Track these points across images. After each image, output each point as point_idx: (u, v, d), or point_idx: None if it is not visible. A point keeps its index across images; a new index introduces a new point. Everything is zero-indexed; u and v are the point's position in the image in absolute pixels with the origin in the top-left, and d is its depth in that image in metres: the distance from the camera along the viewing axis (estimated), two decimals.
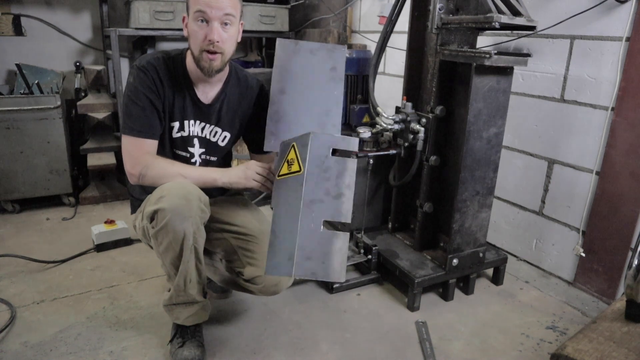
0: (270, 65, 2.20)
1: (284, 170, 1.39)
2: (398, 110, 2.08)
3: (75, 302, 1.90)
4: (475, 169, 1.86)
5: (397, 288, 2.07)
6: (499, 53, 1.65)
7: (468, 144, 1.80)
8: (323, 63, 1.44)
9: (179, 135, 1.56)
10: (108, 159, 3.01)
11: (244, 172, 1.46)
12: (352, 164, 1.34)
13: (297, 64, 1.46)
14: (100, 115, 2.94)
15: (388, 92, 3.03)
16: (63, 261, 2.21)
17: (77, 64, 3.16)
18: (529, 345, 1.73)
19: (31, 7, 3.06)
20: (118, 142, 3.00)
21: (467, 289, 2.04)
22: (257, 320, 1.82)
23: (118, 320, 1.79)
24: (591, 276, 2.02)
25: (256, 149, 1.70)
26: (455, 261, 1.93)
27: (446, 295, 2.00)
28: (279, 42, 1.49)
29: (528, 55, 2.10)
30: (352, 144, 1.35)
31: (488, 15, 1.61)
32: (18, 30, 3.03)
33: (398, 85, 2.88)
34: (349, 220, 1.32)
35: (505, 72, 1.79)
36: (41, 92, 2.76)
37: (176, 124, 1.55)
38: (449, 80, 1.92)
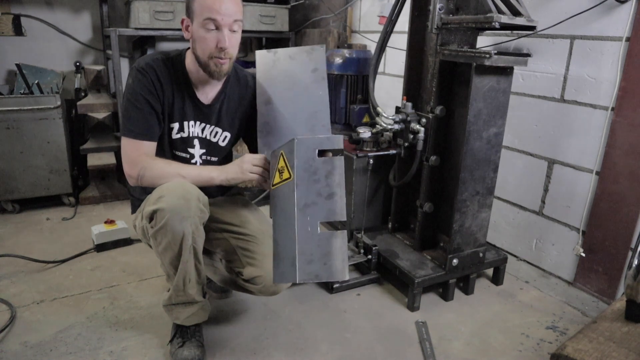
0: None
1: (277, 179, 1.41)
2: (398, 110, 2.08)
3: (75, 302, 1.90)
4: (475, 169, 1.86)
5: (397, 288, 2.07)
6: (499, 53, 1.65)
7: (468, 144, 1.80)
8: (304, 66, 1.44)
9: (178, 136, 1.56)
10: (108, 159, 3.01)
11: (239, 166, 1.46)
12: (339, 162, 1.34)
13: (278, 72, 1.46)
14: (100, 115, 2.95)
15: (388, 92, 3.03)
16: (63, 261, 2.21)
17: (77, 64, 3.16)
18: (529, 345, 1.73)
19: (31, 7, 3.06)
20: (118, 142, 2.99)
21: (467, 289, 2.04)
22: (257, 320, 1.82)
23: (118, 320, 1.79)
24: (591, 276, 2.02)
25: (256, 149, 1.70)
26: (455, 261, 1.93)
27: (446, 295, 2.00)
28: (257, 54, 1.49)
29: (528, 55, 2.10)
30: (337, 142, 1.36)
31: (488, 15, 1.61)
32: (18, 30, 3.03)
33: (398, 85, 2.88)
34: (344, 218, 1.32)
35: (505, 72, 1.79)
36: (41, 92, 2.76)
37: (176, 125, 1.55)
38: (449, 80, 1.92)
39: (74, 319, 1.79)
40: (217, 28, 1.40)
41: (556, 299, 2.04)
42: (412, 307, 1.91)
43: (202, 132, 1.60)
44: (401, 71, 2.19)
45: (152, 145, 1.50)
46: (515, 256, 2.35)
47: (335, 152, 1.39)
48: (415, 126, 1.97)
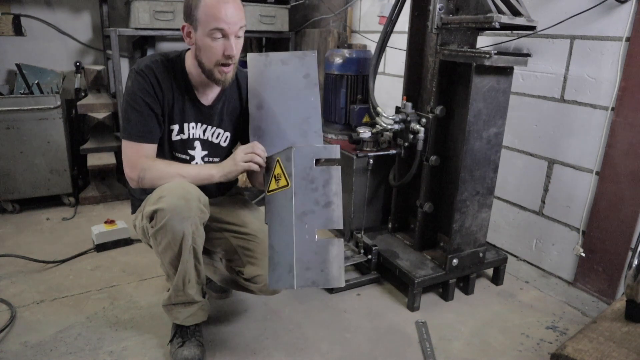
0: None
1: (273, 185, 1.43)
2: (398, 110, 2.08)
3: (75, 302, 1.90)
4: (475, 169, 1.86)
5: (397, 288, 2.07)
6: (499, 53, 1.65)
7: (468, 144, 1.80)
8: (296, 71, 1.44)
9: (178, 138, 1.56)
10: (108, 159, 3.01)
11: (232, 159, 1.47)
12: (336, 171, 1.39)
13: (270, 77, 1.47)
14: (100, 115, 2.94)
15: (388, 92, 3.03)
16: (63, 261, 2.21)
17: (77, 64, 3.16)
18: (529, 345, 1.73)
19: (31, 7, 3.06)
20: (118, 142, 3.00)
21: (467, 289, 2.04)
22: (257, 320, 1.82)
23: (118, 320, 1.79)
24: (591, 276, 2.02)
25: None
26: (455, 261, 1.93)
27: (446, 295, 2.00)
28: (249, 57, 1.50)
29: (528, 55, 2.10)
30: (334, 151, 1.41)
31: (488, 15, 1.61)
32: (18, 30, 3.03)
33: (398, 85, 2.88)
34: (340, 227, 1.37)
35: (505, 72, 1.79)
36: (41, 92, 2.76)
37: (175, 127, 1.55)
38: (449, 80, 1.92)
39: (74, 319, 1.79)
40: (224, 36, 1.40)
41: (556, 299, 2.04)
42: (412, 307, 1.91)
43: (204, 134, 1.60)
44: (401, 71, 2.19)
45: (152, 148, 1.50)
46: (515, 256, 2.35)
47: (332, 162, 1.41)
48: (415, 126, 1.97)
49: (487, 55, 1.63)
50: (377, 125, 2.06)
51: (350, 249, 2.20)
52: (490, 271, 2.19)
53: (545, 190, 2.18)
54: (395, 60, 2.94)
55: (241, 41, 1.46)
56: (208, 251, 1.77)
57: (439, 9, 1.84)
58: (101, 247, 2.32)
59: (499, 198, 2.40)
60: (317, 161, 1.41)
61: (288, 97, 1.45)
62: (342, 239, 1.38)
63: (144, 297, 1.95)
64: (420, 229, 2.09)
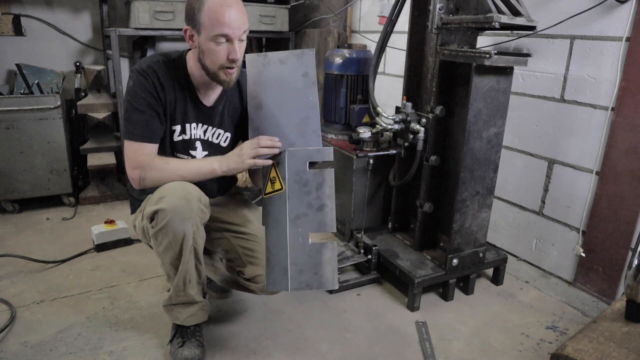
0: None
1: (269, 189, 1.45)
2: (398, 110, 2.08)
3: (75, 302, 1.90)
4: (475, 169, 1.86)
5: (397, 288, 2.07)
6: (499, 53, 1.65)
7: (468, 144, 1.80)
8: (294, 70, 1.44)
9: (180, 138, 1.56)
10: (108, 159, 3.01)
11: (238, 156, 1.44)
12: (329, 174, 1.40)
13: (269, 77, 1.46)
14: (100, 115, 2.94)
15: (388, 92, 3.03)
16: (63, 261, 2.21)
17: (77, 64, 3.16)
18: (529, 345, 1.73)
19: (31, 7, 3.06)
20: (118, 142, 3.00)
21: (467, 289, 2.04)
22: (257, 320, 1.82)
23: (118, 320, 1.79)
24: (591, 276, 2.02)
25: None
26: (455, 261, 1.93)
27: (446, 295, 2.00)
28: (247, 57, 1.50)
29: (528, 55, 2.10)
30: (327, 154, 1.41)
31: (488, 15, 1.61)
32: (18, 30, 3.03)
33: (398, 85, 2.88)
34: (334, 230, 1.39)
35: (505, 72, 1.79)
36: (41, 92, 2.76)
37: (177, 128, 1.54)
38: (449, 80, 1.92)
39: (74, 319, 1.79)
40: (228, 41, 1.40)
41: (556, 299, 2.04)
42: (412, 307, 1.91)
43: (204, 134, 1.60)
44: (401, 71, 2.19)
45: (154, 148, 1.49)
46: (515, 256, 2.35)
47: (326, 164, 1.41)
48: (415, 126, 1.97)
49: (487, 55, 1.62)
50: (377, 125, 2.06)
51: (350, 249, 2.20)
52: (490, 271, 2.19)
53: (545, 190, 2.18)
54: (395, 60, 2.94)
55: (245, 44, 1.47)
56: (208, 251, 1.77)
57: (439, 9, 1.84)
58: (101, 247, 2.32)
59: (499, 198, 2.40)
60: (312, 164, 1.41)
61: (286, 96, 1.45)
62: (335, 242, 1.40)
63: (144, 297, 1.95)
64: (420, 229, 2.09)
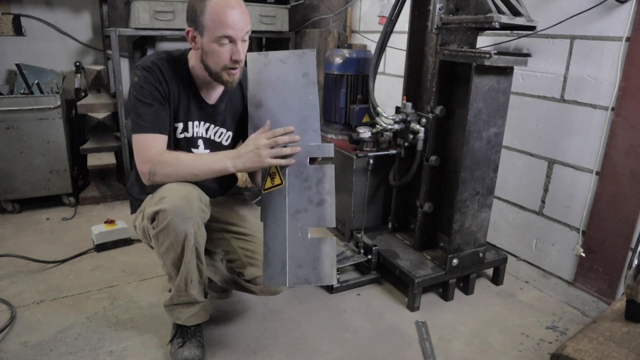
0: None
1: (268, 184, 1.45)
2: (398, 110, 2.08)
3: (75, 302, 1.90)
4: (475, 169, 1.86)
5: (397, 288, 2.07)
6: (499, 53, 1.65)
7: (468, 144, 1.80)
8: (295, 70, 1.44)
9: (182, 136, 1.56)
10: (108, 159, 3.01)
11: (256, 154, 1.39)
12: (330, 170, 1.41)
13: (269, 76, 1.47)
14: (100, 115, 2.94)
15: (388, 92, 3.03)
16: (63, 261, 2.21)
17: (77, 64, 3.16)
18: (529, 345, 1.73)
19: (31, 7, 3.06)
20: (118, 142, 3.00)
21: (467, 289, 2.04)
22: (257, 320, 1.82)
23: (118, 320, 1.79)
24: (591, 276, 2.02)
25: None
26: (455, 261, 1.93)
27: (446, 295, 2.00)
28: (248, 56, 1.50)
29: (528, 55, 2.10)
30: (328, 150, 1.42)
31: (488, 15, 1.61)
32: (18, 30, 3.03)
33: (398, 85, 2.88)
34: (333, 225, 1.39)
35: (505, 72, 1.79)
36: (41, 92, 2.76)
37: (180, 125, 1.54)
38: (449, 80, 1.92)
39: (74, 319, 1.79)
40: (231, 42, 1.40)
41: (556, 299, 2.04)
42: (412, 307, 1.91)
43: (206, 133, 1.60)
44: (401, 71, 2.19)
45: (163, 140, 1.46)
46: (515, 256, 2.35)
47: (326, 160, 1.41)
48: (415, 126, 1.97)
49: (487, 55, 1.63)
50: (377, 125, 2.06)
51: (350, 249, 2.20)
52: (490, 271, 2.19)
53: (545, 190, 2.18)
54: (395, 60, 2.94)
55: (247, 44, 1.47)
56: (209, 251, 1.77)
57: (439, 9, 1.84)
58: (101, 247, 2.32)
59: (499, 198, 2.40)
60: (312, 160, 1.42)
61: (287, 96, 1.45)
62: (334, 237, 1.40)
63: (144, 297, 1.95)
64: (420, 229, 2.09)
